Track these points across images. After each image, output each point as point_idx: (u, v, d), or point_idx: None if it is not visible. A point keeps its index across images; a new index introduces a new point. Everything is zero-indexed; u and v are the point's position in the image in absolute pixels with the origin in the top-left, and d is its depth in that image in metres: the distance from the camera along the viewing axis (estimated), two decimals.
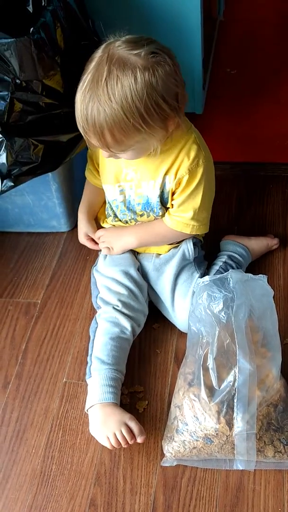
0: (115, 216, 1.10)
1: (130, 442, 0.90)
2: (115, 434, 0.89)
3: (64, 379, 1.06)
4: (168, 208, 1.04)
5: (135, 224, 1.09)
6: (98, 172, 1.10)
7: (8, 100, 0.99)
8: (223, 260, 1.13)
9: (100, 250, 1.13)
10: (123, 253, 1.10)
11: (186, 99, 0.92)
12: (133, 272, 1.08)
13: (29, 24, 0.95)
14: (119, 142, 0.87)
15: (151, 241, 1.09)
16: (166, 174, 0.99)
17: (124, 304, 1.04)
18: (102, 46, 0.86)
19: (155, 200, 1.02)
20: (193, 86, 1.39)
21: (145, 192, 1.03)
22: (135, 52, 0.83)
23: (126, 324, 1.02)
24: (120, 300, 1.04)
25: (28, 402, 1.03)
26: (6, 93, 0.98)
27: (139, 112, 0.83)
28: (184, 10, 1.24)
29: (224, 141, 1.50)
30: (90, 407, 0.94)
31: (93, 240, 1.14)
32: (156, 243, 1.09)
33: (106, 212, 1.12)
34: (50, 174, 1.17)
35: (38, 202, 1.26)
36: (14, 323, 1.16)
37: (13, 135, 1.00)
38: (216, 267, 1.12)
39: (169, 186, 1.00)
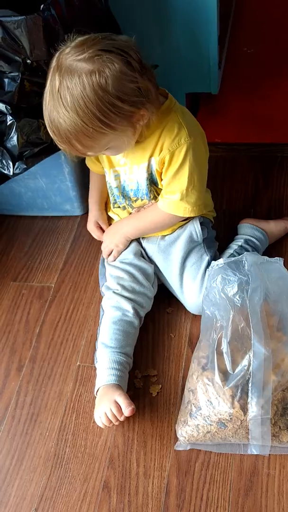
0: (115, 202, 1.10)
1: (120, 419, 0.89)
2: (105, 414, 0.90)
3: (78, 363, 1.05)
4: (161, 189, 1.03)
5: (131, 210, 1.08)
6: (97, 158, 1.10)
7: (18, 81, 0.97)
8: (239, 244, 1.11)
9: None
10: (128, 245, 1.10)
11: (155, 88, 0.89)
12: (134, 258, 1.08)
13: (39, 1, 0.93)
14: (88, 147, 0.88)
15: (147, 229, 1.08)
16: (151, 156, 0.98)
17: (123, 287, 1.04)
18: (56, 55, 0.85)
19: (144, 183, 1.02)
20: (209, 65, 1.36)
21: (135, 177, 1.02)
22: (80, 57, 0.82)
23: (127, 306, 1.02)
24: (119, 284, 1.04)
25: (42, 385, 1.03)
26: (16, 73, 0.97)
27: (96, 116, 0.83)
28: None
29: (240, 121, 1.47)
30: (97, 390, 0.95)
31: (101, 229, 1.14)
32: (154, 229, 1.08)
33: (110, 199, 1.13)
34: (62, 156, 1.16)
35: (51, 186, 1.25)
36: (28, 307, 1.16)
37: (23, 116, 0.99)
38: (230, 251, 1.10)
39: (155, 167, 0.99)
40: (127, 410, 0.88)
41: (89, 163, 1.13)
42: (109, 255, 1.11)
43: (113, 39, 0.85)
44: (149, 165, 0.99)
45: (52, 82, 0.84)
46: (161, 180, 1.01)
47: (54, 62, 0.85)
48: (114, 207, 1.12)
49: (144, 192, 1.03)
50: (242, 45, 1.68)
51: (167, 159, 0.96)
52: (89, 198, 1.17)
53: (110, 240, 1.10)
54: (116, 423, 0.91)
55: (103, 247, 1.12)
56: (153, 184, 1.02)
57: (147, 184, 1.01)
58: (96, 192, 1.16)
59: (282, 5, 1.80)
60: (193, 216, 1.03)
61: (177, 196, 0.99)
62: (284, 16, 1.76)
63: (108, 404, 0.90)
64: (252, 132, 1.44)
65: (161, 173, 1.00)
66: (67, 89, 0.82)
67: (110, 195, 1.11)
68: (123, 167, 1.03)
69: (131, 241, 1.10)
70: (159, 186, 1.03)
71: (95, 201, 1.16)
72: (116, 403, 0.90)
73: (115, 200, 1.10)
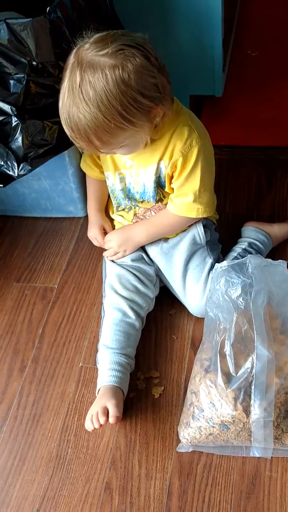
0: (118, 205, 1.09)
1: (101, 422, 0.89)
2: (92, 415, 0.90)
3: (80, 364, 1.06)
4: (168, 193, 1.03)
5: (138, 210, 1.08)
6: (94, 163, 1.10)
7: (24, 83, 0.98)
8: (243, 247, 1.11)
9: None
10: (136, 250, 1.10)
11: (169, 85, 0.90)
12: (133, 262, 1.08)
13: (46, 3, 0.94)
14: (106, 143, 0.88)
15: (159, 233, 1.08)
16: (160, 159, 0.98)
17: (125, 286, 1.04)
18: (73, 51, 0.86)
19: (151, 186, 1.02)
20: (213, 68, 1.37)
21: (142, 180, 1.02)
22: (102, 52, 0.82)
23: (127, 308, 1.02)
24: (121, 283, 1.04)
25: (45, 386, 1.03)
26: (22, 75, 0.97)
27: (118, 111, 0.83)
28: None
29: (244, 124, 1.47)
30: (98, 391, 0.95)
31: (104, 234, 1.14)
32: (165, 233, 1.08)
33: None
34: (67, 158, 1.16)
35: (55, 187, 1.25)
36: (31, 308, 1.17)
37: (28, 118, 0.99)
38: (234, 254, 1.10)
39: (165, 171, 0.99)
40: (111, 418, 0.89)
41: (85, 167, 1.13)
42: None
43: (132, 36, 0.86)
44: (157, 168, 0.99)
45: (72, 78, 0.83)
46: (170, 183, 1.01)
47: (72, 58, 0.85)
48: (118, 210, 1.11)
49: (151, 195, 1.03)
50: (246, 47, 1.69)
51: (179, 162, 0.96)
52: (89, 207, 1.16)
53: (119, 245, 1.09)
54: (97, 427, 0.90)
55: (108, 246, 1.11)
56: (159, 187, 1.02)
57: (154, 187, 1.02)
58: (96, 200, 1.15)
59: (286, 8, 1.80)
60: (206, 216, 1.04)
61: (190, 197, 0.99)
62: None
63: (96, 408, 0.91)
64: (256, 135, 1.44)
65: (172, 176, 0.99)
66: (89, 84, 0.82)
67: (112, 199, 1.10)
68: (129, 169, 1.03)
69: None
70: (166, 189, 1.03)
71: (98, 209, 1.15)
72: (106, 409, 0.90)
73: (118, 203, 1.09)
